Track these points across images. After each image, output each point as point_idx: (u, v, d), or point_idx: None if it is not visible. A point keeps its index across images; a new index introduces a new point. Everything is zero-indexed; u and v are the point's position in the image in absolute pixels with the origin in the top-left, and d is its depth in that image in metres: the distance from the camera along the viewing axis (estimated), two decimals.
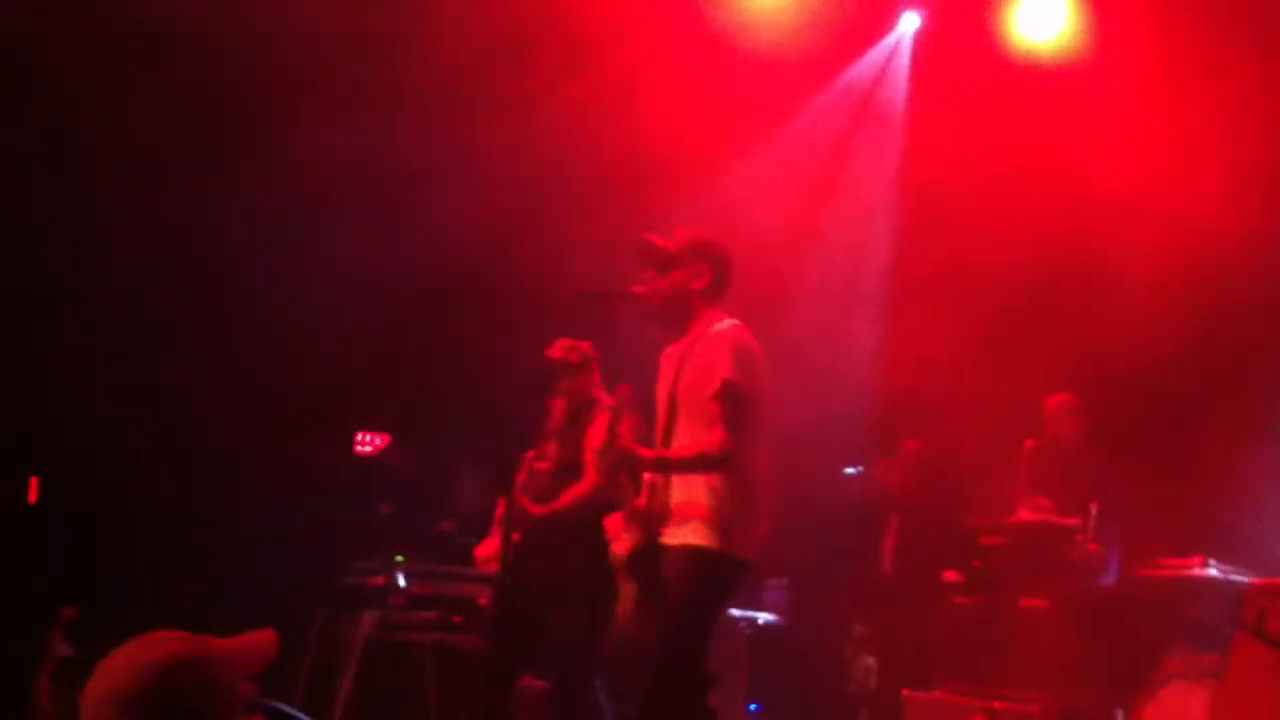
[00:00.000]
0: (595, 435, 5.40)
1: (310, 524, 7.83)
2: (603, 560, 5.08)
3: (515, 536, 5.29)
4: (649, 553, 4.39)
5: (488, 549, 5.57)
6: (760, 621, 8.08)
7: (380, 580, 6.67)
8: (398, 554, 6.77)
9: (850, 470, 8.90)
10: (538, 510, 5.34)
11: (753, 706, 8.00)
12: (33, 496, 8.44)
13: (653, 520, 4.39)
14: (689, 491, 4.35)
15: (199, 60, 7.85)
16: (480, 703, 5.42)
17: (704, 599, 4.35)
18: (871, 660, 8.50)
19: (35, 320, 8.28)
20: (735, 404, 4.32)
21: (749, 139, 8.87)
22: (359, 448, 8.35)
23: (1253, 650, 4.98)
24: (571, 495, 5.35)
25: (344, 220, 8.53)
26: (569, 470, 5.46)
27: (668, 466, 4.40)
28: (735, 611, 7.95)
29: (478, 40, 8.01)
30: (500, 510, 5.53)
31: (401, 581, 6.66)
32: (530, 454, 5.64)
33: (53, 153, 7.92)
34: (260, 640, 2.28)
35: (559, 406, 5.64)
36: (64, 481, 8.47)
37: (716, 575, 4.33)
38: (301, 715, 2.68)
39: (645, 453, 4.38)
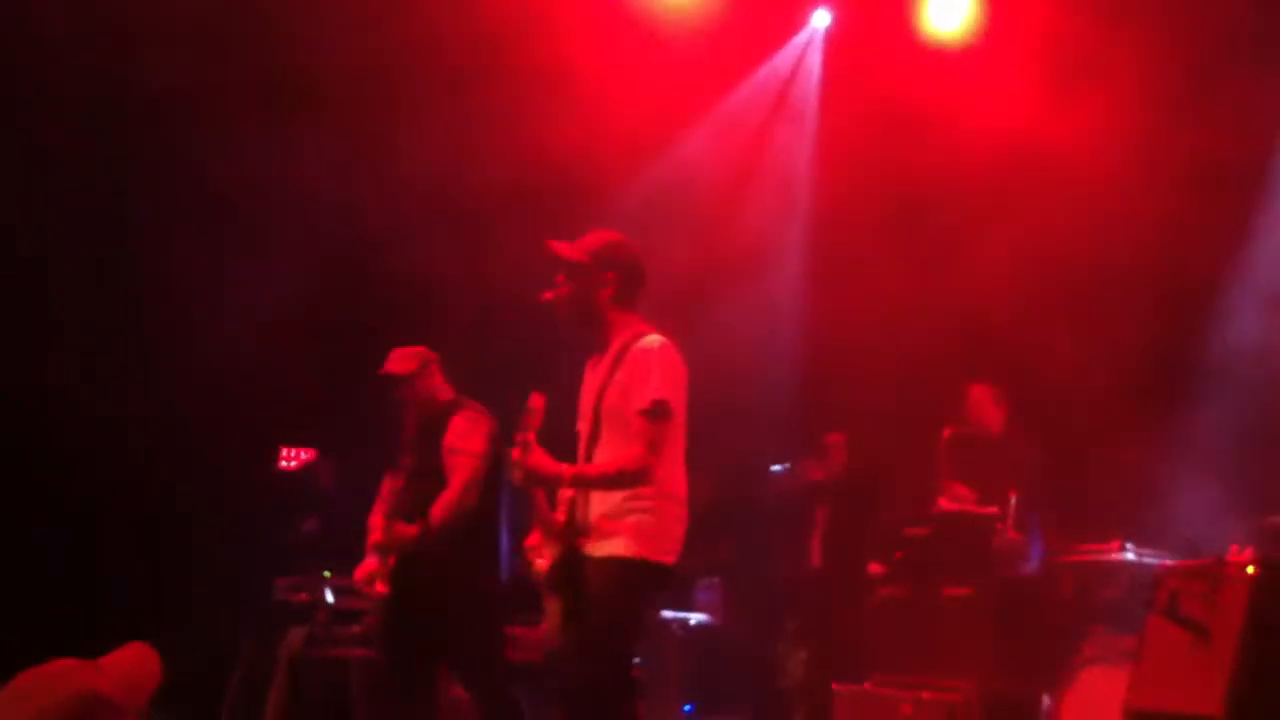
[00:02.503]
0: (455, 435, 5.35)
1: (235, 541, 7.75)
2: (477, 569, 5.08)
3: (391, 560, 5.26)
4: (571, 567, 4.38)
5: (364, 571, 5.52)
6: (692, 622, 8.12)
7: (306, 596, 6.62)
8: (325, 570, 6.72)
9: (777, 467, 8.95)
10: (408, 531, 5.22)
11: (687, 707, 8.04)
12: None
13: (573, 534, 4.38)
14: (609, 505, 4.35)
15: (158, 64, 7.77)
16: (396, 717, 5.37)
17: (627, 607, 4.35)
18: (805, 654, 8.58)
19: None
20: (661, 422, 4.32)
21: (661, 140, 8.91)
22: (283, 463, 8.28)
23: (1166, 631, 5.10)
24: (440, 505, 5.23)
25: (264, 232, 8.47)
26: (427, 476, 5.34)
27: (587, 484, 4.40)
28: (667, 613, 7.98)
29: (383, 45, 7.99)
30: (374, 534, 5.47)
31: (329, 597, 6.62)
32: (388, 476, 5.56)
33: None
34: (144, 665, 2.27)
35: (409, 419, 5.55)
36: None
37: (639, 583, 4.33)
38: None
39: (564, 470, 4.37)
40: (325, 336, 8.72)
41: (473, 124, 8.28)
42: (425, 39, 8.17)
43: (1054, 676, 6.35)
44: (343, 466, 8.24)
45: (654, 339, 4.43)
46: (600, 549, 4.33)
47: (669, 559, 4.37)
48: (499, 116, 8.35)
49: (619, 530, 4.30)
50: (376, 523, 5.39)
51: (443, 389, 5.55)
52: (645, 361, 4.36)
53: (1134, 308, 7.89)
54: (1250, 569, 4.91)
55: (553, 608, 4.41)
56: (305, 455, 8.28)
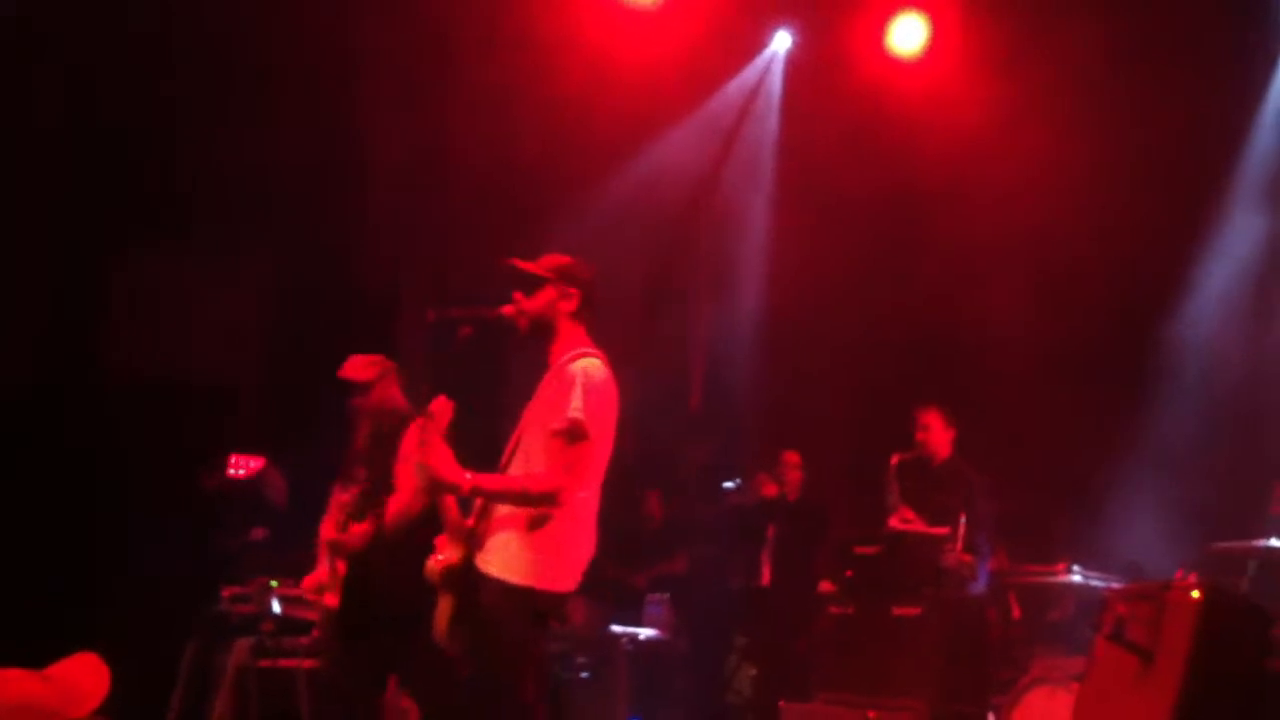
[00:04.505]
0: (411, 444, 5.29)
1: (182, 550, 7.67)
2: (419, 581, 5.06)
3: (340, 568, 5.22)
4: (468, 572, 4.38)
5: (314, 580, 5.45)
6: (641, 636, 8.11)
7: (253, 607, 6.55)
8: (271, 580, 6.65)
9: (729, 484, 8.97)
10: (355, 535, 5.16)
11: (635, 719, 8.02)
12: None
13: (476, 541, 4.38)
14: (512, 521, 4.33)
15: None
16: None
17: (515, 635, 4.31)
18: (754, 671, 8.59)
19: None
20: (575, 444, 4.30)
21: (621, 158, 8.93)
22: (232, 472, 8.19)
23: (1112, 654, 5.14)
24: (392, 510, 5.17)
25: (221, 238, 8.42)
26: (381, 486, 5.25)
27: (488, 495, 4.40)
28: (617, 627, 7.96)
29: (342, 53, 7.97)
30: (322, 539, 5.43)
31: (275, 607, 6.54)
32: (337, 487, 5.50)
33: None
34: (91, 676, 2.24)
35: (360, 428, 5.48)
36: None
37: (526, 611, 4.30)
38: None
39: (463, 478, 4.33)
40: (278, 344, 8.65)
41: (432, 136, 8.27)
42: (384, 47, 8.17)
43: (1001, 697, 6.40)
44: (292, 476, 8.18)
45: (587, 362, 4.41)
46: (493, 565, 4.31)
47: (563, 586, 4.34)
48: (459, 130, 8.34)
49: (513, 552, 4.28)
50: (327, 533, 5.34)
51: (399, 399, 5.51)
52: (570, 381, 4.35)
53: (1090, 325, 7.99)
54: (1196, 594, 4.96)
55: (444, 607, 4.41)
56: (254, 464, 8.20)
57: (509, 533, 4.32)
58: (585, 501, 4.38)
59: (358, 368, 5.48)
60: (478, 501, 4.43)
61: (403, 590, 5.08)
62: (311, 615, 6.50)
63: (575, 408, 4.30)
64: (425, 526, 5.22)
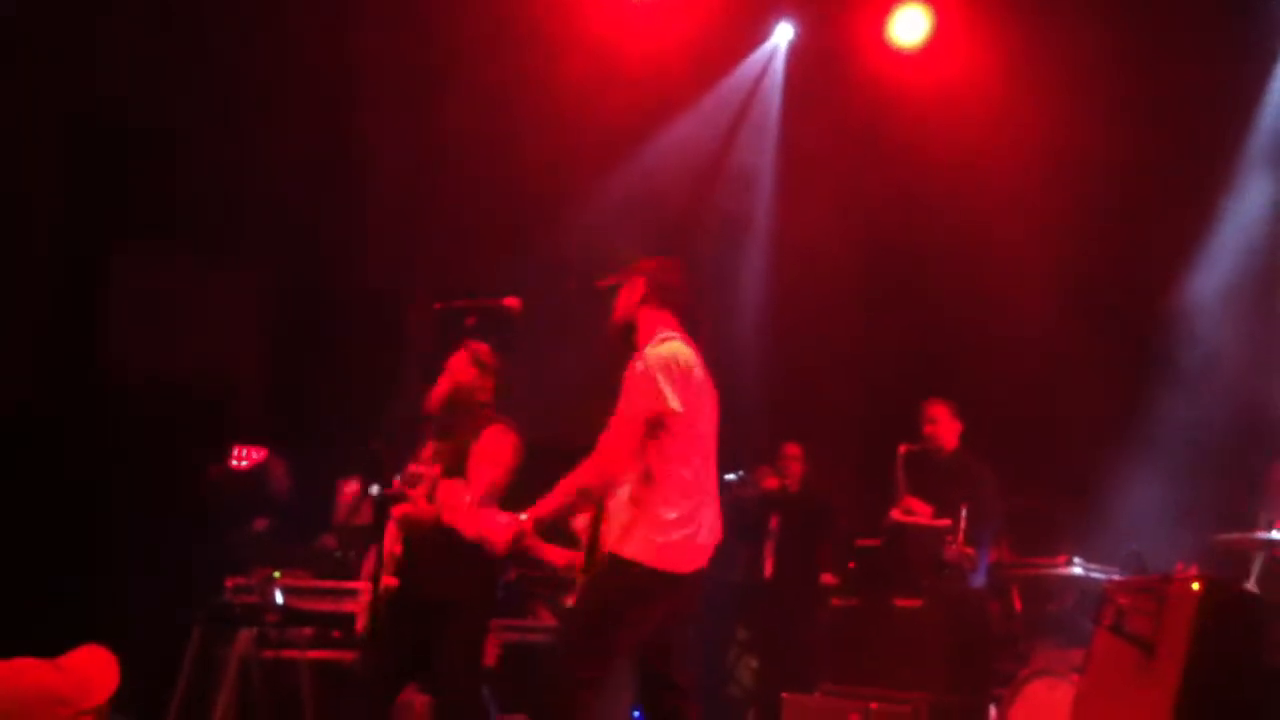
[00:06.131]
0: (485, 454, 5.23)
1: (185, 541, 7.68)
2: (489, 568, 5.06)
3: (398, 548, 5.22)
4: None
5: (373, 564, 5.46)
6: None
7: (256, 597, 6.56)
8: (274, 570, 6.66)
9: (731, 476, 8.98)
10: (428, 510, 5.08)
11: (636, 713, 8.04)
12: None
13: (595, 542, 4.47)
14: (622, 506, 4.42)
15: None
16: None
17: (606, 602, 4.38)
18: (756, 663, 8.61)
19: None
20: (623, 430, 4.38)
21: (623, 154, 8.93)
22: (235, 462, 8.20)
23: (1112, 646, 5.16)
24: (553, 497, 5.09)
25: (224, 234, 8.43)
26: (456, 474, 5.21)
27: (548, 519, 4.49)
28: None
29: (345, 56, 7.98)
30: (372, 519, 5.42)
31: (278, 598, 6.56)
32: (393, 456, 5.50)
33: None
34: (102, 667, 2.27)
35: (441, 389, 5.33)
36: None
37: (628, 585, 4.35)
38: None
39: (512, 530, 4.48)
40: (282, 338, 8.67)
41: (437, 131, 8.27)
42: (389, 44, 8.17)
43: (1002, 689, 6.41)
44: (293, 467, 8.19)
45: (661, 342, 4.51)
46: (608, 543, 4.42)
47: (676, 566, 4.38)
48: (463, 125, 8.35)
49: (625, 529, 4.38)
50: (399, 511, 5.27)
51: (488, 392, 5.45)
52: (630, 375, 4.46)
53: (1093, 319, 7.99)
54: (1196, 586, 4.98)
55: None
56: (257, 455, 8.22)
57: (622, 514, 4.40)
58: (685, 479, 4.41)
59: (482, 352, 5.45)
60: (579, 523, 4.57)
61: (459, 582, 5.10)
62: (314, 606, 6.55)
63: (628, 392, 4.42)
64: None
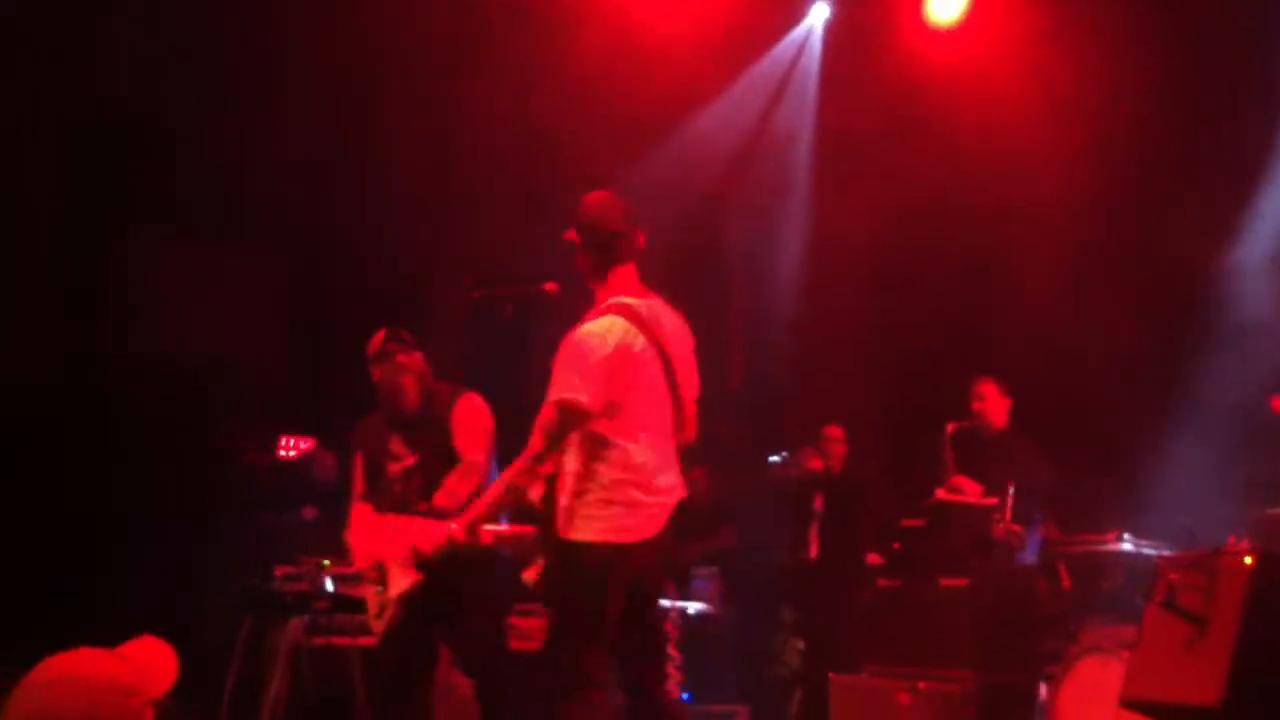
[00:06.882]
0: (465, 422, 5.28)
1: (235, 530, 7.75)
2: (495, 557, 5.09)
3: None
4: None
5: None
6: (690, 611, 8.13)
7: (306, 585, 6.62)
8: (323, 559, 6.72)
9: (775, 458, 8.97)
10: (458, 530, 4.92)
11: (685, 696, 8.06)
12: None
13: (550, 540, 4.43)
14: (566, 491, 4.40)
15: None
16: (398, 711, 5.37)
17: (567, 598, 4.39)
18: (802, 644, 8.61)
19: None
20: (553, 415, 4.33)
21: (653, 136, 8.90)
22: (282, 452, 8.28)
23: (1163, 622, 5.12)
24: (483, 498, 4.99)
25: (262, 218, 8.47)
26: (443, 463, 5.26)
27: (486, 517, 4.55)
28: (664, 602, 7.99)
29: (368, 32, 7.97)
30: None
31: (328, 586, 6.61)
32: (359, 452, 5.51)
33: None
34: (161, 657, 2.29)
35: (408, 388, 5.36)
36: None
37: (573, 569, 4.34)
38: None
39: (448, 534, 4.64)
40: (325, 326, 8.71)
41: (461, 116, 8.26)
42: (411, 27, 8.17)
43: (1051, 667, 6.38)
44: (342, 457, 8.24)
45: (581, 330, 4.39)
46: (563, 534, 4.40)
47: (621, 538, 4.35)
48: (489, 109, 8.34)
49: (574, 514, 4.37)
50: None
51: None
52: (557, 357, 4.39)
53: (1133, 292, 7.92)
54: (1248, 560, 4.92)
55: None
56: (305, 445, 8.29)
57: (566, 500, 4.38)
58: (626, 453, 4.37)
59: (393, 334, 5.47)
60: (537, 491, 4.51)
61: (476, 562, 5.14)
62: (363, 593, 6.60)
63: (557, 366, 4.35)
64: None
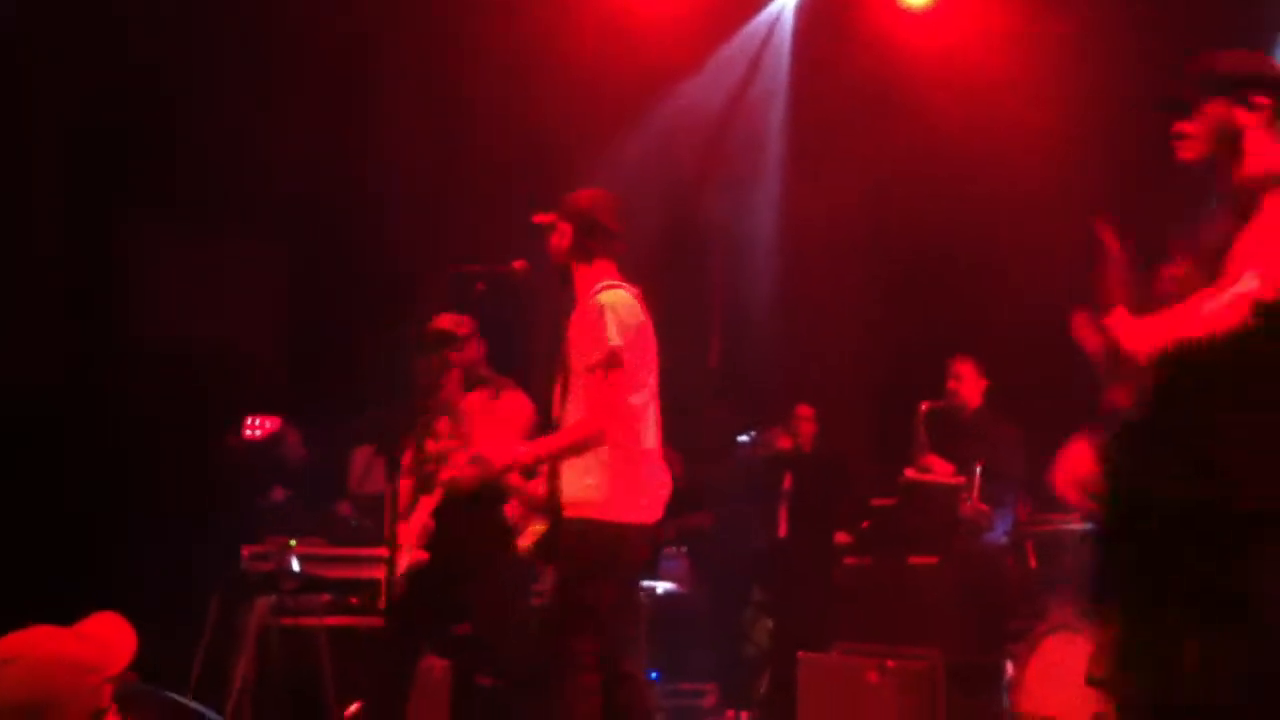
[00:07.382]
0: (509, 415, 5.36)
1: (201, 511, 7.71)
2: (511, 535, 5.09)
3: (430, 521, 5.26)
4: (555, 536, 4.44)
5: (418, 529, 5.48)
6: (659, 590, 8.14)
7: (273, 565, 6.59)
8: (290, 538, 6.70)
9: (743, 437, 8.98)
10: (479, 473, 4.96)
11: (653, 675, 8.07)
12: None
13: (553, 504, 4.42)
14: (574, 468, 4.38)
15: None
16: (381, 687, 5.37)
17: (587, 570, 4.35)
18: (771, 623, 8.63)
19: None
20: (613, 372, 4.31)
21: (630, 118, 8.88)
22: (249, 433, 8.24)
23: None
24: (551, 440, 4.94)
25: (234, 203, 8.43)
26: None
27: (544, 460, 4.48)
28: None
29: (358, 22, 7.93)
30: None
31: (295, 566, 6.60)
32: (410, 437, 5.52)
33: None
34: (120, 634, 2.26)
35: (453, 379, 5.51)
36: None
37: (599, 544, 4.33)
38: (192, 703, 2.68)
39: (516, 457, 4.52)
40: (294, 307, 8.68)
41: (451, 100, 8.23)
42: (402, 16, 8.14)
43: (1018, 645, 6.41)
44: (308, 436, 8.21)
45: (610, 294, 4.40)
46: (569, 510, 4.38)
47: (637, 518, 4.36)
48: (475, 92, 8.31)
49: (582, 491, 4.35)
50: (406, 488, 5.31)
51: (484, 364, 5.58)
52: (596, 311, 4.36)
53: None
54: None
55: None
56: (270, 424, 8.25)
57: (575, 478, 4.37)
58: (641, 432, 4.39)
59: (454, 322, 5.47)
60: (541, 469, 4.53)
61: (478, 538, 5.14)
62: (331, 573, 6.58)
63: (610, 335, 4.31)
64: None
